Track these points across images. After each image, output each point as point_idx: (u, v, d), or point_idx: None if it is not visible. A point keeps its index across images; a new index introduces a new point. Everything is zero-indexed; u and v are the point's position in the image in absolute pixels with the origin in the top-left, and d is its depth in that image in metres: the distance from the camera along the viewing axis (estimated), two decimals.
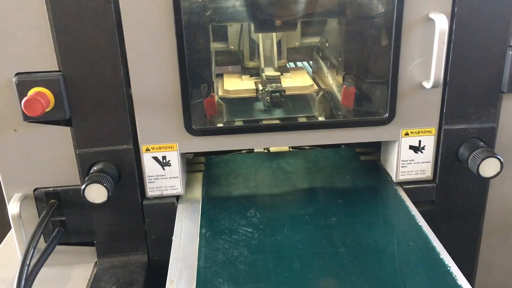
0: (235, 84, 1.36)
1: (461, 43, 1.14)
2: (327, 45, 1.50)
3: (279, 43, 1.49)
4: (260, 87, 1.34)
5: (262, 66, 1.43)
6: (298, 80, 1.37)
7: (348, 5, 1.28)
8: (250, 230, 1.13)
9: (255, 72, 1.45)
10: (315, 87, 1.37)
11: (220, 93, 1.35)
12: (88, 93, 1.10)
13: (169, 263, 1.03)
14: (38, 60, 1.08)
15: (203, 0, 1.20)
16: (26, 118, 1.07)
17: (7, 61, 1.07)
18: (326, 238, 1.10)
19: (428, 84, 1.15)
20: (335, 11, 1.33)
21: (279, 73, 1.38)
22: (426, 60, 1.14)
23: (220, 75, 1.49)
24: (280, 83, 1.33)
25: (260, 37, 1.43)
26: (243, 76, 1.41)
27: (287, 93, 1.30)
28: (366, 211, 1.20)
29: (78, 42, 1.06)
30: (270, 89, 1.28)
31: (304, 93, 1.36)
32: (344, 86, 1.30)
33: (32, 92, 1.05)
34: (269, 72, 1.41)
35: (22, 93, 1.05)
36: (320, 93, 1.44)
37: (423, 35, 1.13)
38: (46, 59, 1.08)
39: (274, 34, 1.42)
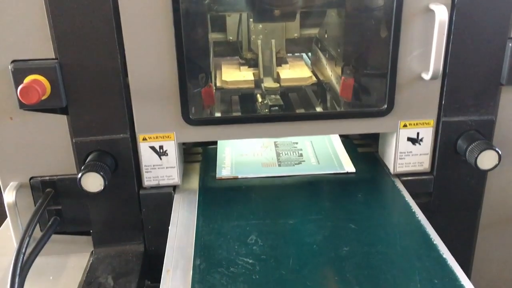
0: (234, 75, 1.35)
1: (461, 34, 1.14)
2: (326, 36, 1.49)
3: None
4: (259, 99, 1.33)
5: (261, 76, 1.41)
6: (296, 72, 1.35)
7: None
8: (248, 220, 1.12)
9: (253, 63, 1.43)
10: (314, 78, 1.36)
11: (218, 84, 1.33)
12: (84, 81, 1.09)
13: (166, 252, 1.03)
14: (34, 48, 1.06)
15: None
16: (22, 106, 1.06)
17: (3, 49, 1.06)
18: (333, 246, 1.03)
19: (427, 76, 1.14)
20: (335, 2, 1.32)
21: (278, 85, 1.36)
22: (425, 51, 1.14)
23: (218, 65, 1.47)
24: (279, 95, 1.32)
25: (259, 48, 1.40)
26: (241, 67, 1.39)
27: (285, 84, 1.28)
28: (364, 204, 1.19)
29: (75, 29, 1.05)
30: (270, 102, 1.27)
31: (302, 85, 1.35)
32: (342, 77, 1.30)
33: (28, 79, 1.04)
34: (268, 83, 1.39)
35: (18, 80, 1.04)
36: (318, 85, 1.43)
37: (422, 26, 1.12)
38: (43, 47, 1.06)
39: (273, 44, 1.40)
